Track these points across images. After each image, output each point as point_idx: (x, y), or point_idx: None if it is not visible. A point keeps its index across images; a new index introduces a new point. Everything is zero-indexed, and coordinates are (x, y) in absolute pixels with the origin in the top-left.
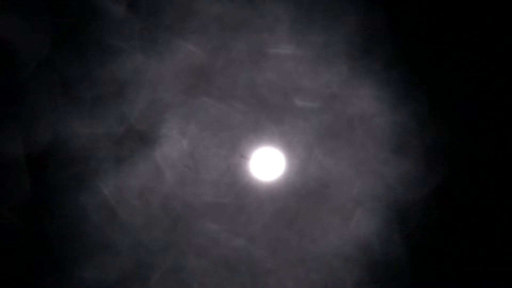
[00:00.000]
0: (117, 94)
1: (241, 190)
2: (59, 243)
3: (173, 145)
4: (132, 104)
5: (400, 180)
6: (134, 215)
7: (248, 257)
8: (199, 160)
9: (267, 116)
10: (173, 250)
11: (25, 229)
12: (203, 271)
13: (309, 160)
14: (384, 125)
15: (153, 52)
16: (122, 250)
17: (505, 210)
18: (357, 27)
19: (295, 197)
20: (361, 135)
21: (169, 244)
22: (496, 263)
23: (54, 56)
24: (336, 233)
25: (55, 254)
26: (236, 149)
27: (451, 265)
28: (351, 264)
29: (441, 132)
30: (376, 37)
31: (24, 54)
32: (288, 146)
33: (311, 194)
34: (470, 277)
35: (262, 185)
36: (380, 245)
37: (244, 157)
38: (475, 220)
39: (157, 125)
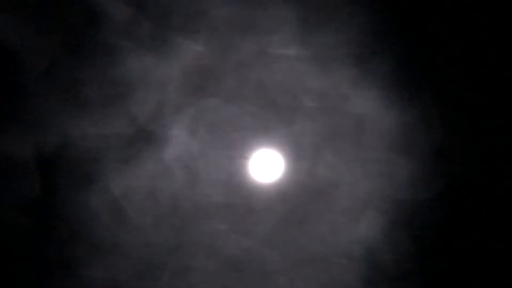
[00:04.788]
0: (126, 95)
1: (250, 190)
2: (68, 243)
3: (182, 146)
4: (141, 104)
5: (407, 180)
6: (143, 215)
7: (257, 257)
8: (208, 160)
9: (276, 117)
10: (182, 250)
11: (35, 230)
12: (212, 271)
13: (317, 160)
14: (392, 126)
15: (161, 53)
16: (131, 250)
17: None
18: (365, 28)
19: (303, 198)
20: (369, 136)
21: (178, 244)
22: (503, 263)
23: (62, 57)
24: (345, 233)
25: (64, 255)
26: (244, 150)
27: (458, 265)
28: (359, 264)
29: (448, 133)
30: (384, 39)
31: (33, 56)
32: (296, 147)
33: (319, 195)
34: (477, 277)
35: (270, 186)
36: (388, 246)
37: (249, 158)
38: (482, 220)
39: (166, 125)
